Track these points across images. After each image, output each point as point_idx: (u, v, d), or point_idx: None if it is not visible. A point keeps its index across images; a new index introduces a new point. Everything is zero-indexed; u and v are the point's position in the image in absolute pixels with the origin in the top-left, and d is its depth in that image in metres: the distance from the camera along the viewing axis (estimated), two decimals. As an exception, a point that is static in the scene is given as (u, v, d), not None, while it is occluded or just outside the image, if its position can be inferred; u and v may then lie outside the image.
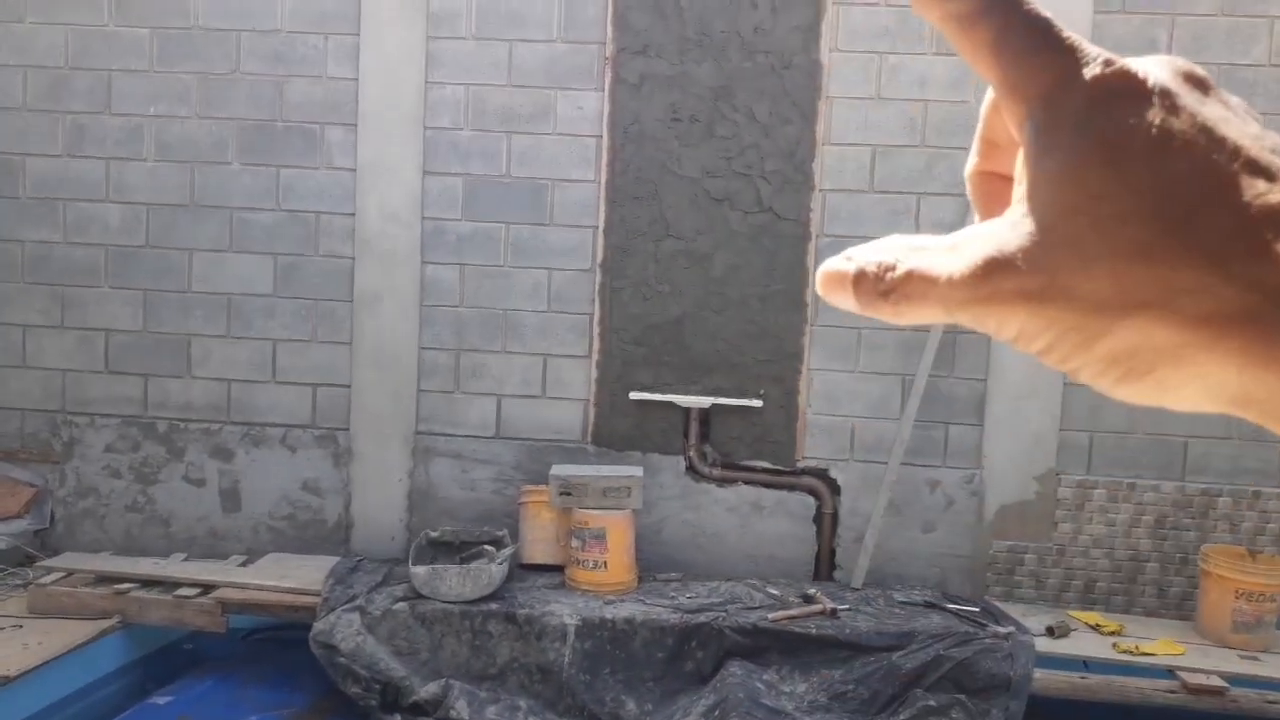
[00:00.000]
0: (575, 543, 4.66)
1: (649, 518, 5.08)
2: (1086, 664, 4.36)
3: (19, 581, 4.86)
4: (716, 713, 3.94)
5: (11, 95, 5.28)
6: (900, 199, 5.02)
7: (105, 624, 4.42)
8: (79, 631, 4.33)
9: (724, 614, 4.37)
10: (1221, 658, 4.38)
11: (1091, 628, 4.65)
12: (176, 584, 4.66)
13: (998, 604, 4.80)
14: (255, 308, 5.26)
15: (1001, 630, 4.31)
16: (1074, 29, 0.42)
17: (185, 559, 5.07)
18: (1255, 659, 4.37)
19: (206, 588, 4.62)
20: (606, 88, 5.08)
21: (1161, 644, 4.47)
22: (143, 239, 5.27)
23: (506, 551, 4.54)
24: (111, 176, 5.28)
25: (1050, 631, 4.49)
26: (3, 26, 5.26)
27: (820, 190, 5.04)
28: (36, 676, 3.98)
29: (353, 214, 5.19)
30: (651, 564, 5.04)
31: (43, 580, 4.65)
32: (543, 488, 4.84)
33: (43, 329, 5.32)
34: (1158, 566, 4.99)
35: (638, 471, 4.84)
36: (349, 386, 5.23)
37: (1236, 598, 4.46)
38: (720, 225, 5.08)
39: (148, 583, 4.68)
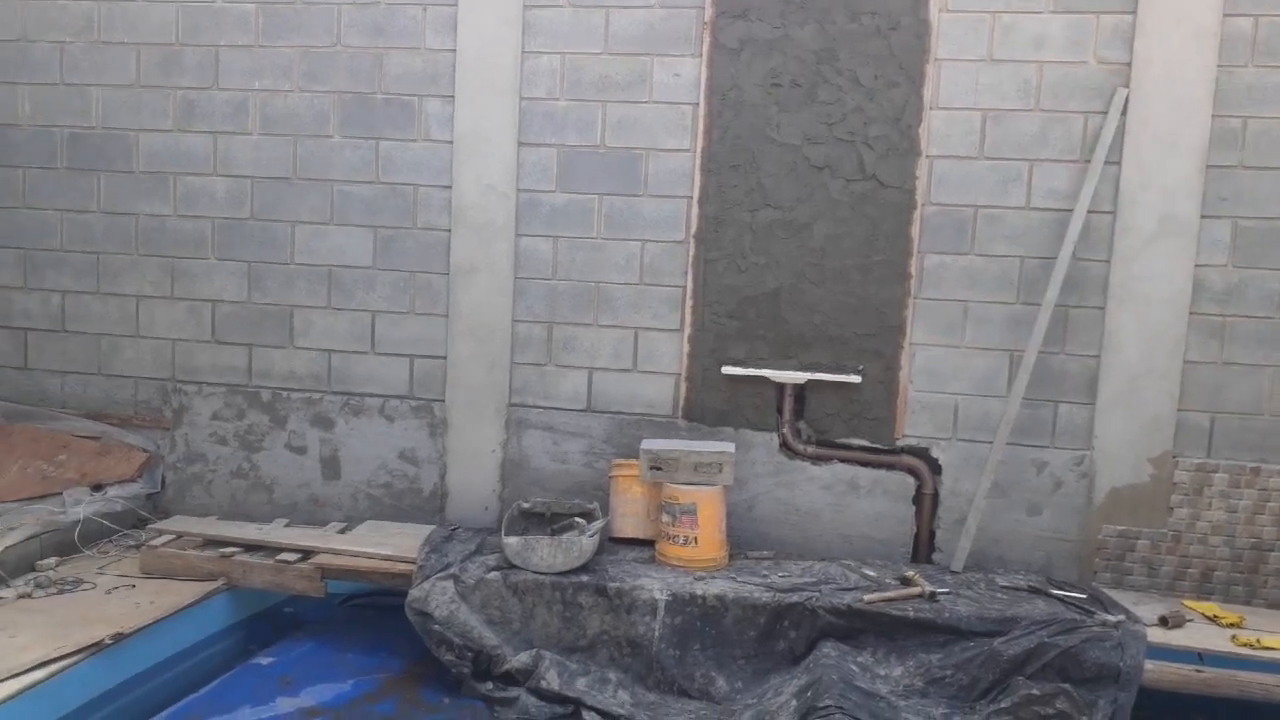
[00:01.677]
0: (665, 518, 4.62)
1: (741, 494, 5.01)
2: (1202, 656, 4.13)
3: (132, 543, 5.08)
4: (809, 694, 3.86)
5: (125, 72, 5.44)
6: (1012, 165, 4.79)
7: (211, 586, 4.58)
8: (188, 592, 4.50)
9: (817, 594, 4.27)
10: (1353, 655, 4.11)
11: (1208, 619, 4.41)
12: (278, 549, 4.79)
13: (1107, 591, 4.59)
14: (355, 279, 5.34)
15: (1111, 619, 4.12)
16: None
17: (287, 525, 5.21)
18: (1391, 658, 4.08)
19: (307, 553, 4.74)
20: (705, 53, 4.97)
21: (1286, 638, 4.21)
22: (248, 212, 5.40)
23: (597, 524, 4.53)
24: (219, 150, 5.41)
25: (1163, 621, 4.27)
26: (117, 5, 5.42)
27: (927, 157, 4.85)
28: (149, 634, 4.15)
29: (449, 186, 5.21)
30: (743, 541, 4.97)
31: (154, 542, 4.84)
32: (633, 461, 4.81)
33: (154, 299, 5.51)
34: (1284, 556, 4.71)
35: (729, 447, 4.76)
36: (445, 358, 5.28)
37: (1373, 592, 4.17)
38: (820, 194, 4.94)
39: (251, 547, 4.82)
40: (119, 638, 3.96)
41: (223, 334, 5.47)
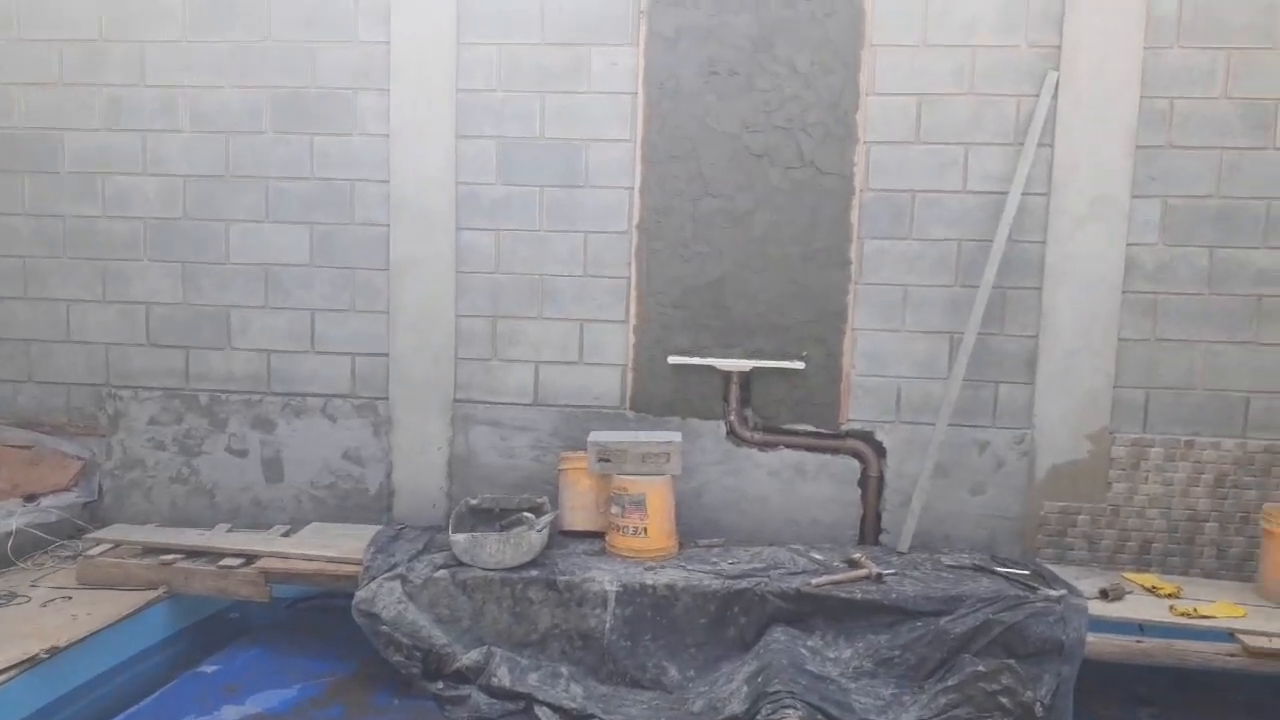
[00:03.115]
0: (615, 509, 4.61)
1: (689, 483, 5.02)
2: (1142, 627, 4.23)
3: (69, 553, 4.96)
4: (759, 679, 3.88)
5: (48, 70, 5.29)
6: (947, 150, 4.84)
7: (152, 594, 4.48)
8: (127, 602, 4.39)
9: (766, 579, 4.30)
10: (1285, 620, 4.23)
11: (1147, 590, 4.51)
12: (221, 554, 4.70)
13: (1049, 566, 4.67)
14: (293, 278, 5.25)
15: (1053, 593, 4.19)
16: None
17: (229, 529, 5.12)
18: (1322, 622, 4.20)
19: (250, 558, 4.66)
20: (641, 42, 4.95)
21: (1221, 606, 4.32)
22: (180, 211, 5.28)
23: (546, 518, 4.51)
24: (148, 149, 5.28)
25: (1104, 594, 4.36)
26: (38, 1, 5.25)
27: (864, 143, 4.88)
28: (86, 646, 4.04)
29: (387, 181, 5.14)
30: (692, 529, 4.98)
31: (91, 552, 4.72)
32: (581, 454, 4.79)
33: (86, 303, 5.37)
34: (1217, 526, 4.83)
35: (676, 437, 4.77)
36: (387, 355, 5.21)
37: (1302, 559, 4.29)
38: (760, 182, 4.95)
39: (193, 553, 4.73)
40: (54, 651, 3.85)
41: (158, 337, 5.35)
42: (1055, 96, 4.73)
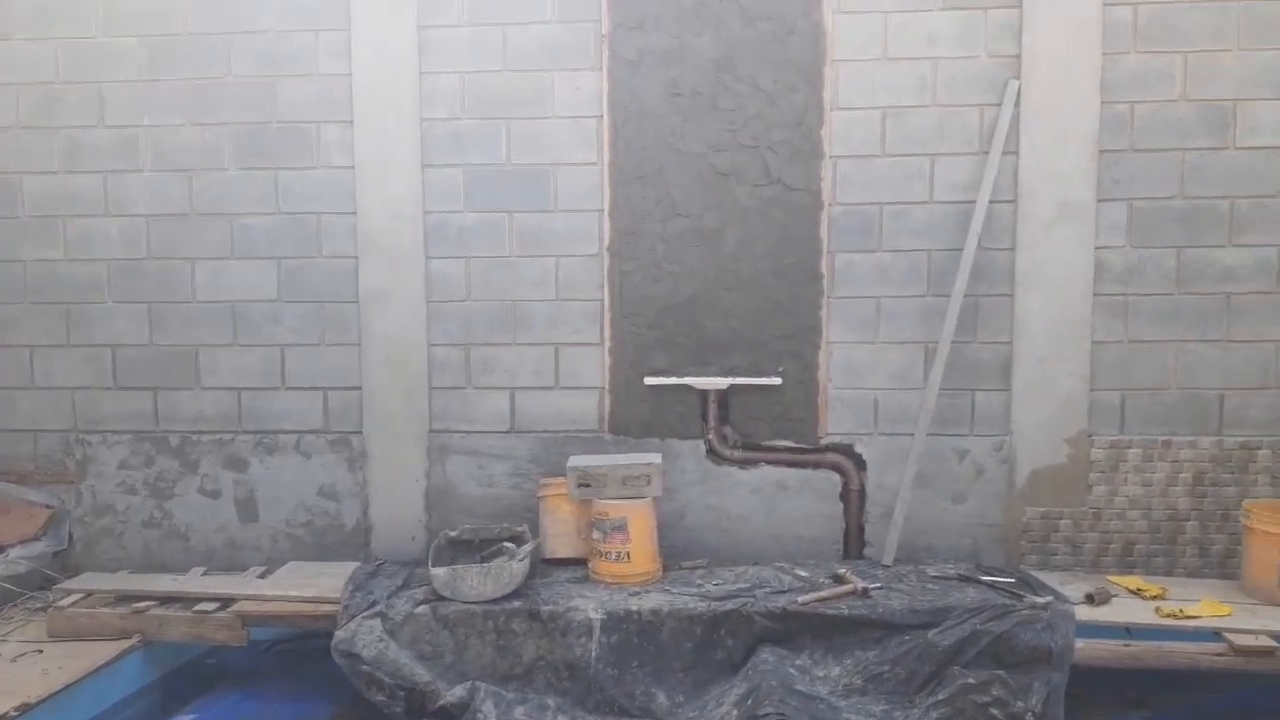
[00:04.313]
0: (596, 534, 4.56)
1: (671, 504, 4.98)
2: (1129, 630, 4.22)
3: (39, 605, 4.84)
4: (749, 701, 3.84)
5: (4, 114, 5.22)
6: (913, 161, 4.86)
7: (125, 644, 4.37)
8: (100, 653, 4.28)
9: (752, 599, 4.26)
10: (1270, 616, 4.23)
11: (1133, 592, 4.51)
12: (196, 599, 4.60)
13: (1034, 573, 4.66)
14: (261, 314, 5.18)
15: (1039, 600, 4.17)
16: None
17: (205, 572, 5.02)
18: (1306, 616, 4.21)
19: (226, 601, 4.56)
20: (604, 66, 4.95)
21: (1206, 605, 4.32)
22: (144, 251, 5.21)
23: (527, 547, 4.45)
24: (109, 190, 5.21)
25: (1090, 599, 4.35)
26: (-9, 44, 5.20)
27: (831, 157, 4.89)
28: (58, 701, 3.93)
29: (354, 213, 5.10)
30: (675, 551, 4.94)
31: (61, 603, 4.60)
32: (561, 480, 4.74)
33: (50, 348, 5.28)
34: (1198, 525, 4.84)
35: (656, 458, 4.73)
36: (360, 389, 5.15)
37: (1284, 554, 4.29)
38: (728, 200, 4.95)
39: (167, 599, 4.62)
40: (24, 709, 3.74)
41: (125, 379, 5.26)
42: (1017, 105, 4.76)
